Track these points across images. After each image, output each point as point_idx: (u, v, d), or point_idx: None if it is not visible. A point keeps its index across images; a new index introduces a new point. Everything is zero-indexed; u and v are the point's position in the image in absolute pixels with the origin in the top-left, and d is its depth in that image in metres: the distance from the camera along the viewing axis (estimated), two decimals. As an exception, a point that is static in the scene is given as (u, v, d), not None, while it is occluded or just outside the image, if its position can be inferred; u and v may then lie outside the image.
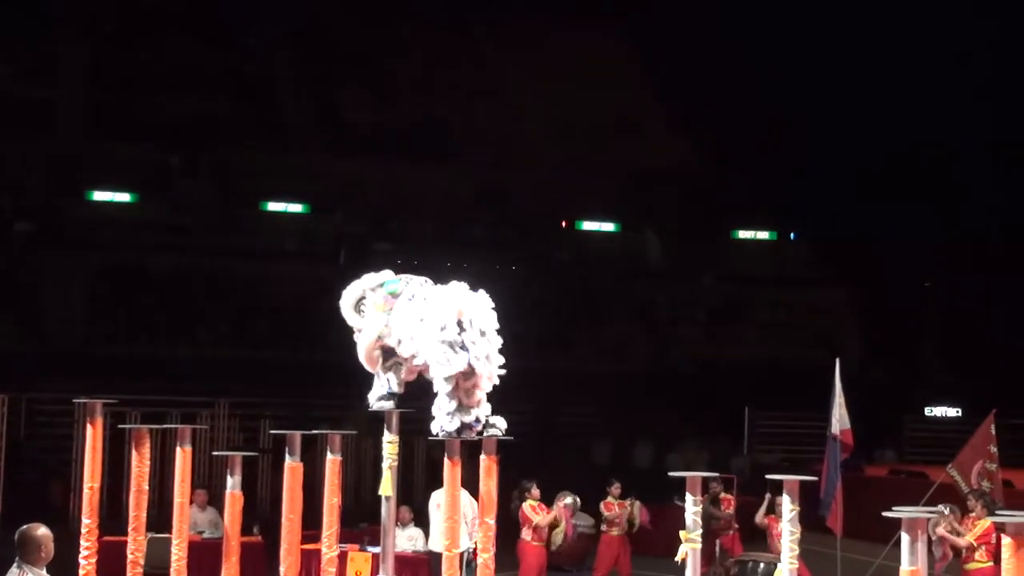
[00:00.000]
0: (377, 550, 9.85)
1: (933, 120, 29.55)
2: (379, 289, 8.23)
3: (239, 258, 28.72)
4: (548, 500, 14.07)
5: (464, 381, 7.57)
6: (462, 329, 7.48)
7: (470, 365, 7.46)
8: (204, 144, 30.47)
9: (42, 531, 6.53)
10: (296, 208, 31.38)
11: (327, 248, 29.13)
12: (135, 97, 30.32)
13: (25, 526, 6.53)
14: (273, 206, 31.18)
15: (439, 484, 9.18)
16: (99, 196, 29.90)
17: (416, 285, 8.16)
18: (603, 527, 15.21)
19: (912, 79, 29.84)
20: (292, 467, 8.51)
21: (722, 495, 15.97)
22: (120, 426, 9.53)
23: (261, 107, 31.61)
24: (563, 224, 33.60)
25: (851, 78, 30.42)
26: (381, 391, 8.25)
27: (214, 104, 31.03)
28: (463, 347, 7.45)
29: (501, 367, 7.66)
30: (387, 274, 8.35)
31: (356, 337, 8.27)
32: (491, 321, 7.62)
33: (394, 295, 8.16)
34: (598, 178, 32.22)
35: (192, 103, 30.70)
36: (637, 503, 15.21)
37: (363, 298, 8.28)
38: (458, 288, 7.73)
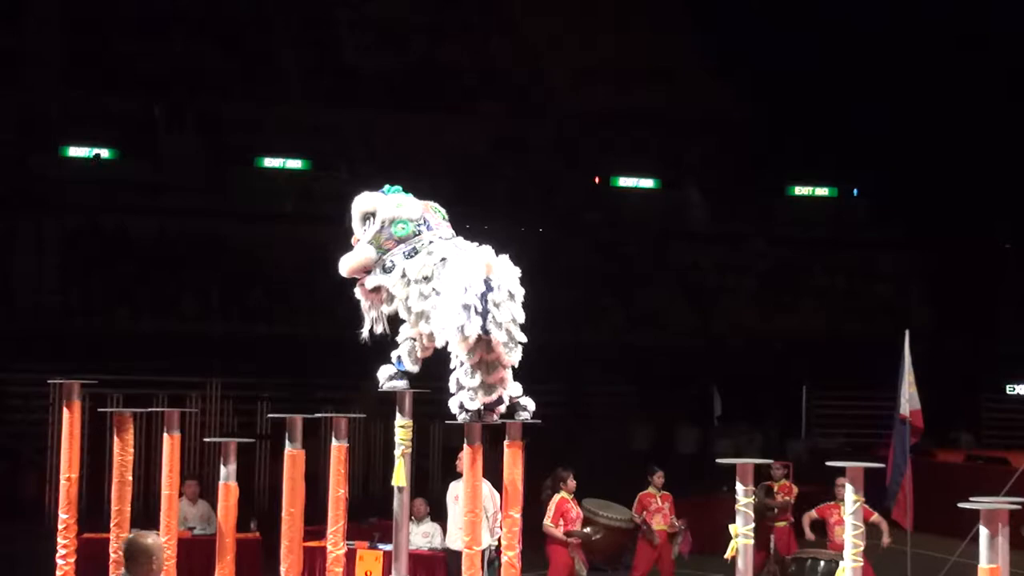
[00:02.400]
0: (389, 548, 9.86)
1: (1011, 61, 29.33)
2: (388, 224, 8.19)
3: (231, 221, 28.77)
4: (581, 492, 14.08)
5: (486, 353, 7.54)
6: (489, 288, 7.42)
7: (486, 331, 7.41)
8: (191, 94, 30.46)
9: (152, 540, 6.46)
10: (295, 164, 31.39)
11: (330, 209, 29.10)
12: (114, 42, 30.31)
13: (133, 533, 6.49)
14: (269, 162, 31.19)
15: (457, 473, 9.17)
16: (74, 152, 29.96)
17: (435, 238, 8.10)
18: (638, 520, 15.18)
19: (990, 18, 29.56)
20: (293, 455, 8.50)
21: (781, 482, 15.97)
22: (100, 410, 9.56)
23: (254, 52, 31.56)
24: (595, 181, 33.50)
25: (921, 15, 30.15)
26: (390, 371, 8.23)
27: (202, 49, 30.99)
28: (481, 312, 7.40)
29: (522, 342, 7.62)
30: (409, 205, 8.28)
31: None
32: (518, 287, 7.58)
33: (400, 240, 8.12)
34: (634, 129, 32.09)
35: (178, 48, 30.68)
36: (681, 536, 15.24)
37: (373, 214, 8.26)
38: (486, 250, 7.68)
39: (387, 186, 8.43)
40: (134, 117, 30.36)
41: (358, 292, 8.29)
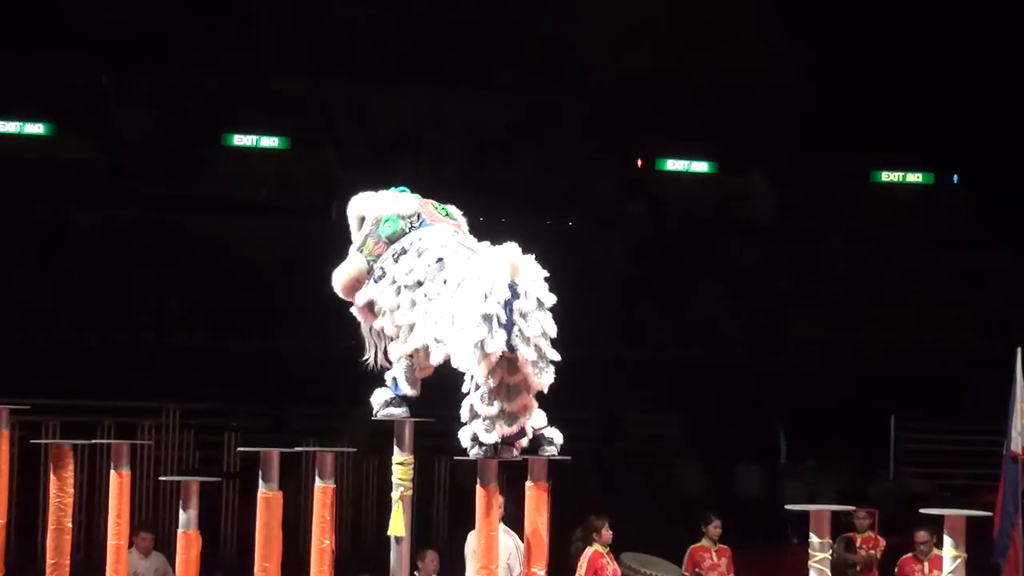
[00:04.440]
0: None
1: None
2: (376, 224, 8.21)
3: (194, 211, 28.81)
4: (618, 545, 14.07)
5: (509, 375, 7.49)
6: (515, 295, 7.36)
7: (512, 348, 7.37)
8: (146, 58, 30.49)
9: None
10: (271, 143, 31.41)
11: (313, 197, 29.17)
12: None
13: None
14: (240, 140, 31.23)
15: (467, 518, 9.13)
16: (3, 128, 30.01)
17: (426, 235, 8.09)
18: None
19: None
20: (268, 497, 8.50)
21: (865, 533, 16.01)
22: (33, 441, 9.57)
23: (223, 7, 31.60)
24: (637, 163, 33.48)
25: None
26: (386, 396, 8.21)
27: (159, 3, 31.04)
28: (505, 324, 7.34)
29: (554, 360, 7.59)
30: (402, 201, 8.29)
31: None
32: (548, 294, 7.53)
33: (389, 240, 8.13)
34: (685, 101, 32.04)
35: (131, 3, 30.73)
36: None
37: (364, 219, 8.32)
38: (510, 249, 7.61)
39: (393, 188, 8.48)
40: (76, 86, 30.40)
41: (356, 313, 8.31)
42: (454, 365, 7.80)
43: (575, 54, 31.97)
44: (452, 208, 8.54)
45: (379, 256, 8.15)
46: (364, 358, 8.34)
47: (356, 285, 8.21)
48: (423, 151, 30.19)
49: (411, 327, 7.95)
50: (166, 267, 28.25)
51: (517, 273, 7.39)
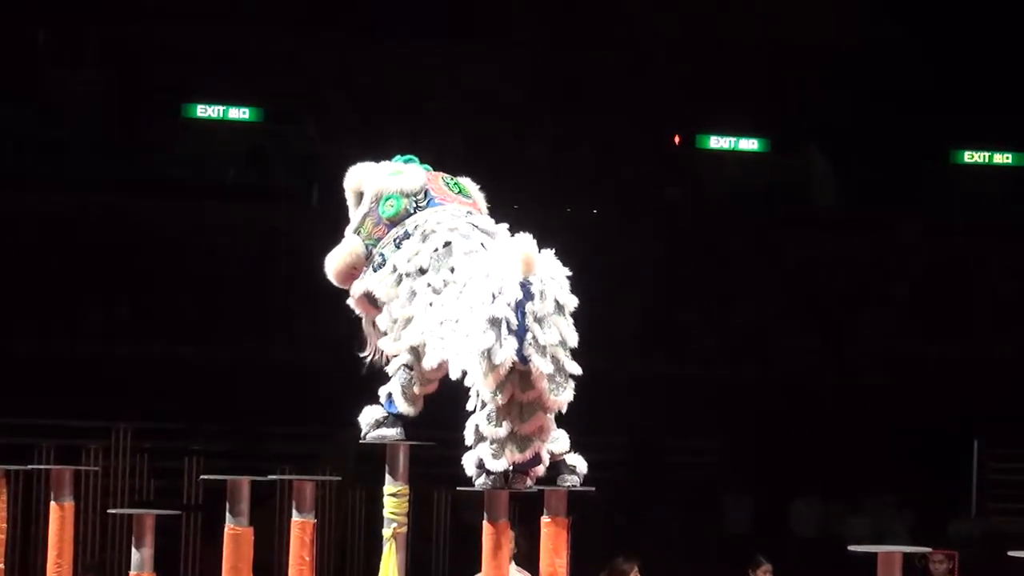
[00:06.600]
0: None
1: None
2: (376, 202, 8.20)
3: (148, 195, 28.81)
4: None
5: (521, 391, 7.48)
6: (528, 296, 7.33)
7: (524, 358, 7.35)
8: (93, 15, 30.49)
9: None
10: (240, 114, 31.41)
11: (290, 178, 29.19)
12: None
13: None
14: (204, 111, 31.22)
15: (471, 560, 9.16)
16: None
17: (433, 215, 8.09)
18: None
19: None
20: (236, 534, 8.51)
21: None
22: (-41, 467, 9.58)
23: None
24: (675, 140, 33.46)
25: None
26: (377, 414, 8.21)
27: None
28: (516, 330, 7.32)
29: (574, 374, 7.58)
30: (408, 175, 8.29)
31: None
32: (569, 295, 7.52)
33: (391, 221, 8.12)
34: (731, 68, 32.05)
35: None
36: None
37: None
38: (523, 240, 7.57)
39: (397, 156, 8.46)
40: (12, 48, 30.41)
41: (353, 305, 8.29)
42: (452, 377, 7.79)
43: (603, 10, 32.00)
44: (466, 182, 8.50)
45: (379, 240, 8.11)
46: (363, 355, 8.30)
47: (353, 272, 8.17)
48: (422, 122, 30.11)
49: (407, 321, 7.91)
50: (115, 262, 28.25)
51: (531, 269, 7.35)
